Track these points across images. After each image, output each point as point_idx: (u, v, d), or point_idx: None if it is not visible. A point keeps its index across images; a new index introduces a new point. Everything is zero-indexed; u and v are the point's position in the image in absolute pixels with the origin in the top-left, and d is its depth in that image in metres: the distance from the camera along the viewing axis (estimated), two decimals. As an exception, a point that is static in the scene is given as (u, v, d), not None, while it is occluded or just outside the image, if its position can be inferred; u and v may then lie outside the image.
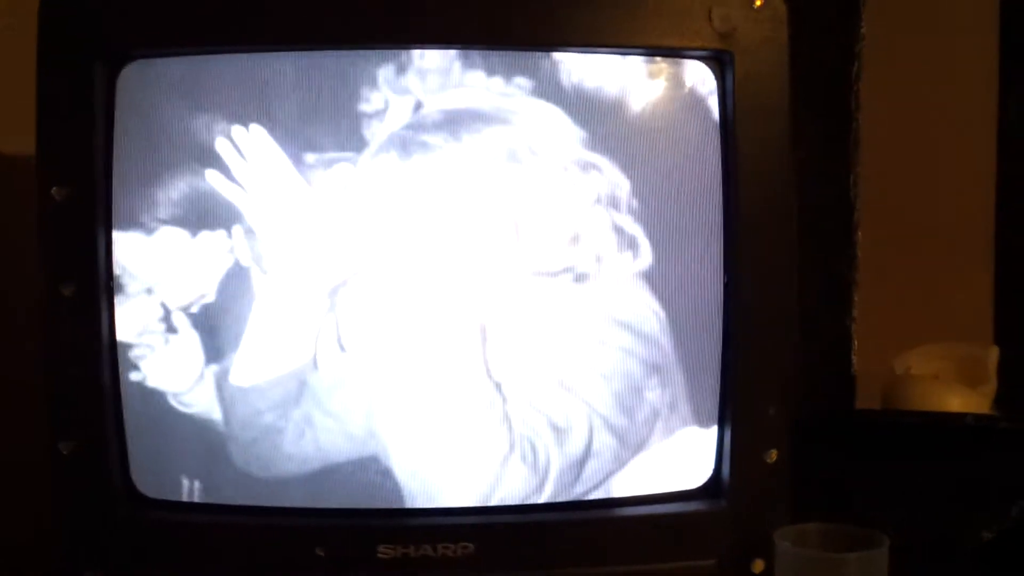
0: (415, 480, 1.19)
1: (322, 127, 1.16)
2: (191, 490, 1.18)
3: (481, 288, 1.18)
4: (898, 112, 1.66)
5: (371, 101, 1.16)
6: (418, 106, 1.16)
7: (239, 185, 1.15)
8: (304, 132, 1.16)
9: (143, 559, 1.16)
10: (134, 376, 1.17)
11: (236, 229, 1.16)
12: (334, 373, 1.17)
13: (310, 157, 1.16)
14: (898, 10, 1.67)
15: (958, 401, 1.48)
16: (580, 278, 1.18)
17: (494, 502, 1.19)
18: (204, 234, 1.16)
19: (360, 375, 1.18)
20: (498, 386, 1.18)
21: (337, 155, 1.16)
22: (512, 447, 1.18)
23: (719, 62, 1.18)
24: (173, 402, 1.18)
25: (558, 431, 1.19)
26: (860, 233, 1.61)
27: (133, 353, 1.17)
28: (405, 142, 1.16)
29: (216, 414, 1.18)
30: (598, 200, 1.18)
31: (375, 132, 1.16)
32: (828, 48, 1.59)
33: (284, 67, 1.16)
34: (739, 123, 1.18)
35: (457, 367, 1.18)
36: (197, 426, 1.18)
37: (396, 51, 1.16)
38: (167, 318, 1.17)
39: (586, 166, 1.17)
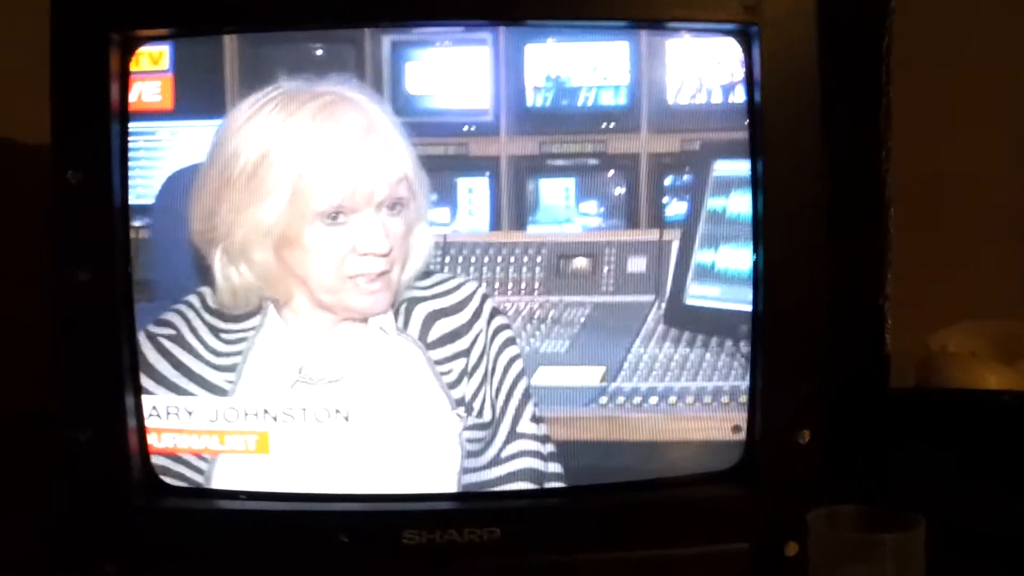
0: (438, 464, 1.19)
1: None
2: (211, 477, 1.18)
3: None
4: (931, 86, 1.64)
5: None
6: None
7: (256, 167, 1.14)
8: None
9: (162, 547, 1.16)
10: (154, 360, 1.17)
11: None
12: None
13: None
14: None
15: (996, 379, 1.46)
16: (598, 255, 1.18)
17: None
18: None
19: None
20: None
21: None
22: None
23: (745, 35, 1.16)
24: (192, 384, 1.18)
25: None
26: (893, 209, 1.58)
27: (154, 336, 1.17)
28: None
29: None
30: (619, 180, 1.17)
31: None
32: (858, 21, 1.56)
33: (303, 46, 1.16)
34: (767, 98, 1.16)
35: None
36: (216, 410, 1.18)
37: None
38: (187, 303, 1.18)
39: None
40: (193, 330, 1.17)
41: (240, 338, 1.18)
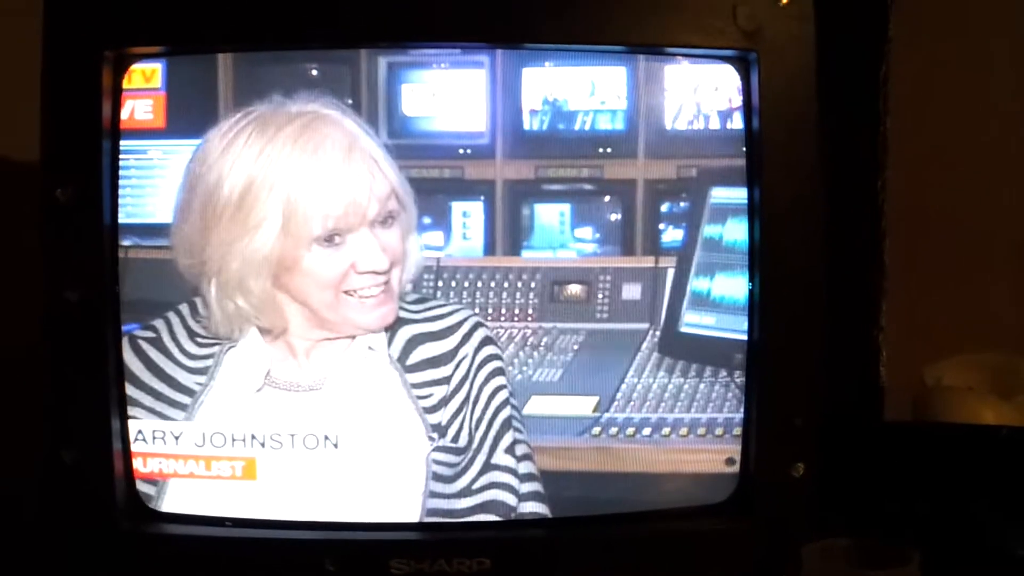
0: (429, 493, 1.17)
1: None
2: (196, 501, 1.17)
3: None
4: (927, 115, 1.64)
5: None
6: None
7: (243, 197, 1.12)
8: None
9: (147, 573, 1.15)
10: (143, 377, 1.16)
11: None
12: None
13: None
14: (926, 11, 1.64)
15: (992, 413, 1.46)
16: (592, 282, 1.18)
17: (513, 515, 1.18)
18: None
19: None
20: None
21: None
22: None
23: (744, 62, 1.16)
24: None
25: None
26: (889, 239, 1.58)
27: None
28: None
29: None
30: (615, 206, 1.17)
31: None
32: (856, 50, 1.56)
33: (299, 66, 1.16)
34: (764, 125, 1.15)
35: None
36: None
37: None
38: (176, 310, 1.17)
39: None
40: (173, 335, 1.17)
41: (214, 343, 1.17)
